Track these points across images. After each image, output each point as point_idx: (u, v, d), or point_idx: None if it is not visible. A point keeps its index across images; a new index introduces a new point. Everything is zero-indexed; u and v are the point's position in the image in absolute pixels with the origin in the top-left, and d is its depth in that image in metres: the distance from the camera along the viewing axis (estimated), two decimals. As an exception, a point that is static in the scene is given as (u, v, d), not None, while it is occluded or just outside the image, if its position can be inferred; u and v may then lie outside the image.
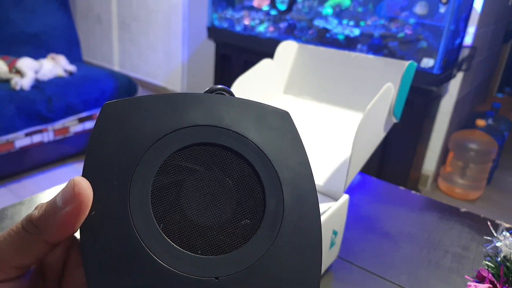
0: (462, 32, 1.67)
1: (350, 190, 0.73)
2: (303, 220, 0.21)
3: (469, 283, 0.41)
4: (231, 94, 0.25)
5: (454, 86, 1.85)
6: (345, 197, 0.51)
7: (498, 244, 0.42)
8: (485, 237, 0.47)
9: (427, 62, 1.58)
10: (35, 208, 0.20)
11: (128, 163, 0.20)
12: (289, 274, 0.20)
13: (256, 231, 0.21)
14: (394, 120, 0.58)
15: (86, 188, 0.19)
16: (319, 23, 1.83)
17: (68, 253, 0.23)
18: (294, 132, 0.24)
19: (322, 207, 0.49)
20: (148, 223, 0.19)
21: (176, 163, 0.21)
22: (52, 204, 0.19)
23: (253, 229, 0.21)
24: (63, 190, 0.19)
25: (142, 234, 0.19)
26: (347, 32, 1.76)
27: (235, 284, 0.19)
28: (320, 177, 0.53)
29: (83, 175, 0.20)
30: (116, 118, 0.21)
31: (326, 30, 1.81)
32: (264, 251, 0.20)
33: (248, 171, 0.22)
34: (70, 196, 0.18)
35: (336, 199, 0.51)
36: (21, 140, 1.76)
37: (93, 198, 0.19)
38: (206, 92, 0.24)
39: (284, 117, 0.24)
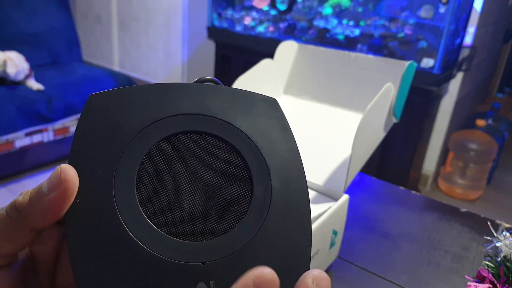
0: (462, 32, 1.67)
1: (350, 190, 0.73)
2: (291, 207, 0.21)
3: (469, 283, 0.41)
4: (220, 84, 0.25)
5: (454, 86, 1.85)
6: (345, 197, 0.51)
7: (498, 244, 0.42)
8: (485, 237, 0.47)
9: (427, 62, 1.58)
10: (19, 194, 0.20)
11: (113, 152, 0.20)
12: (277, 259, 0.20)
13: (243, 217, 0.21)
14: (394, 120, 0.58)
15: (72, 175, 0.19)
16: (319, 23, 1.83)
17: (60, 247, 0.22)
18: (282, 120, 0.24)
19: (322, 207, 0.49)
20: (133, 210, 0.19)
21: (162, 151, 0.21)
22: (38, 190, 0.19)
23: (240, 215, 0.21)
24: (50, 177, 0.19)
25: (127, 221, 0.19)
26: (347, 32, 1.76)
27: (221, 269, 0.19)
28: (320, 177, 0.53)
29: (69, 164, 0.20)
30: (102, 109, 0.21)
31: (326, 30, 1.81)
32: (251, 237, 0.20)
33: (235, 158, 0.22)
34: (56, 182, 0.18)
35: (336, 199, 0.51)
36: (21, 140, 1.76)
37: (78, 186, 0.19)
38: (194, 82, 0.24)
39: (272, 104, 0.24)
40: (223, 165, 0.22)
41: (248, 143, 0.22)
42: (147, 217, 0.20)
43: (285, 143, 0.23)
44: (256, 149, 0.22)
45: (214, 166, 0.21)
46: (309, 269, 0.21)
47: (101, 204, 0.19)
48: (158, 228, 0.20)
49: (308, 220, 0.22)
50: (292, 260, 0.21)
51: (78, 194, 0.19)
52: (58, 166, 0.19)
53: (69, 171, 0.19)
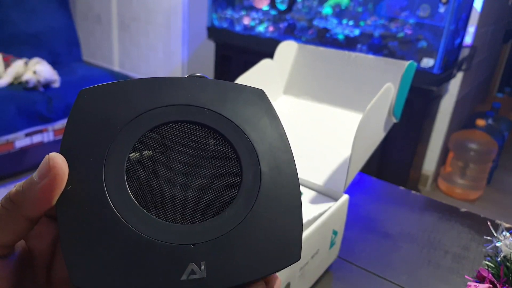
0: (462, 32, 1.67)
1: (350, 190, 0.73)
2: (281, 189, 0.22)
3: (469, 283, 0.41)
4: None
5: (454, 86, 1.85)
6: (345, 197, 0.51)
7: (498, 244, 0.42)
8: (485, 237, 0.47)
9: (427, 62, 1.58)
10: (14, 187, 0.20)
11: (103, 141, 0.21)
12: (267, 241, 0.21)
13: (233, 200, 0.21)
14: (394, 120, 0.58)
15: (61, 162, 0.19)
16: (319, 23, 1.83)
17: (57, 242, 0.23)
18: (270, 109, 0.24)
19: (322, 207, 0.49)
20: (124, 195, 0.20)
21: (151, 140, 0.21)
22: (29, 180, 0.19)
23: (230, 199, 0.21)
24: (40, 166, 0.19)
25: (118, 207, 0.19)
26: (347, 32, 1.76)
27: (211, 250, 0.20)
28: (320, 177, 0.53)
29: (60, 153, 0.20)
30: (93, 102, 0.21)
31: (326, 30, 1.81)
32: (242, 219, 0.21)
33: (224, 145, 0.22)
34: (46, 170, 0.19)
35: (336, 199, 0.51)
36: (21, 140, 1.76)
37: (69, 175, 0.19)
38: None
39: (259, 95, 0.25)
40: (212, 152, 0.22)
41: (237, 130, 0.23)
42: (137, 203, 0.20)
43: (273, 129, 0.24)
44: (245, 136, 0.23)
45: (203, 153, 0.22)
46: (300, 249, 0.21)
47: (91, 191, 0.20)
48: (149, 213, 0.20)
49: (298, 203, 0.22)
50: (283, 241, 0.21)
51: (69, 182, 0.19)
52: (47, 154, 0.19)
53: (57, 158, 0.19)
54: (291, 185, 0.22)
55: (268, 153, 0.23)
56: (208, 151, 0.22)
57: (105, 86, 0.22)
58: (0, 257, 0.20)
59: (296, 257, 0.21)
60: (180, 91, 0.23)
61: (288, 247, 0.21)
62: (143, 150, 0.21)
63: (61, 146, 0.20)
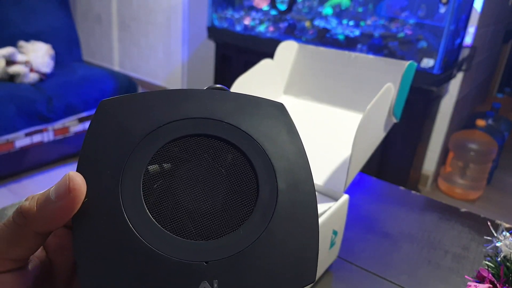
0: (462, 32, 1.67)
1: (350, 190, 0.73)
2: (298, 208, 0.22)
3: (469, 283, 0.41)
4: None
5: (454, 86, 1.85)
6: (345, 197, 0.51)
7: (498, 244, 0.42)
8: (485, 237, 0.47)
9: (427, 62, 1.58)
10: (25, 199, 0.20)
11: (120, 154, 0.21)
12: (282, 261, 0.20)
13: (248, 217, 0.21)
14: (394, 120, 0.58)
15: (80, 184, 0.19)
16: (319, 23, 1.83)
17: None
18: (289, 123, 0.24)
19: (322, 207, 0.49)
20: (139, 210, 0.20)
21: (169, 153, 0.21)
22: (45, 196, 0.19)
23: (246, 216, 0.21)
24: (58, 184, 0.19)
25: (132, 221, 0.19)
26: (347, 32, 1.76)
27: (225, 269, 0.20)
28: (320, 177, 0.53)
29: (78, 166, 0.20)
30: (112, 114, 0.22)
31: (326, 30, 1.81)
32: (256, 237, 0.20)
33: (241, 160, 0.22)
34: (64, 191, 0.19)
35: (336, 199, 0.51)
36: (21, 140, 1.76)
37: (86, 188, 0.19)
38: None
39: (279, 108, 0.24)
40: (229, 167, 0.22)
41: (254, 145, 0.22)
42: (152, 217, 0.20)
43: (292, 145, 0.23)
44: (263, 151, 0.22)
45: (220, 168, 0.22)
46: (315, 271, 0.21)
47: (107, 205, 0.20)
48: (163, 228, 0.20)
49: (315, 223, 0.22)
50: (297, 262, 0.21)
51: (86, 194, 0.19)
52: (67, 174, 0.19)
53: (77, 180, 0.19)
54: (308, 204, 0.22)
55: (286, 169, 0.22)
56: (225, 165, 0.22)
57: (124, 98, 0.22)
58: (12, 270, 0.20)
59: (311, 278, 0.21)
60: (199, 104, 0.23)
61: (303, 268, 0.21)
62: (160, 164, 0.21)
63: (79, 159, 0.20)
